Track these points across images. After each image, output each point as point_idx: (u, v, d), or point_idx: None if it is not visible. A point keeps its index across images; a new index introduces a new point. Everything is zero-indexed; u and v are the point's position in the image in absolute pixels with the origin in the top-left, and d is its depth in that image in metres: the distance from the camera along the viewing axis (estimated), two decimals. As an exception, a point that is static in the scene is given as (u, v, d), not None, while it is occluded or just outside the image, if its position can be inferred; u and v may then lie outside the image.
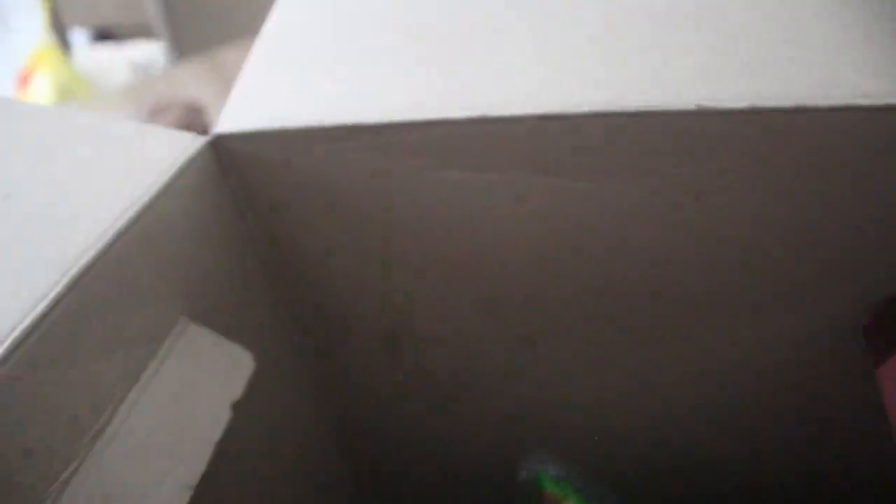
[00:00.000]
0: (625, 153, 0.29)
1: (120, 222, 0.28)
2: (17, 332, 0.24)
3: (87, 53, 1.57)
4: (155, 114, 0.97)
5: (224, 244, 0.34)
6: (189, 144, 0.32)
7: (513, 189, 0.31)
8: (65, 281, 0.26)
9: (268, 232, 0.36)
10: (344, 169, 0.32)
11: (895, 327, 0.30)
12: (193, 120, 0.97)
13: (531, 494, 0.44)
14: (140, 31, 1.56)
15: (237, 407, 0.32)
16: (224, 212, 0.34)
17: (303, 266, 0.37)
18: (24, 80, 1.39)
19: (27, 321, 0.24)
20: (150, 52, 1.50)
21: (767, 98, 0.27)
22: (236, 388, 0.32)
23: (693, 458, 0.42)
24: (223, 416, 0.31)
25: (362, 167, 0.32)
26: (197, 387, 0.31)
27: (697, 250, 0.32)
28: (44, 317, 0.25)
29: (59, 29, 1.58)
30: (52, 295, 0.25)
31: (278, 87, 0.33)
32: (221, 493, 0.34)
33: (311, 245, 0.36)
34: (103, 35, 1.62)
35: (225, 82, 1.13)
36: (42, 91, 1.36)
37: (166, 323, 0.31)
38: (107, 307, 0.27)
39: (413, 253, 0.35)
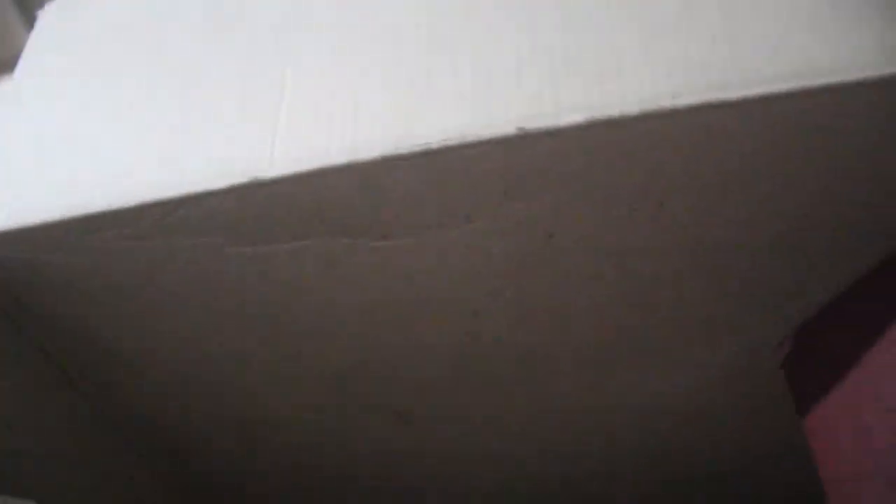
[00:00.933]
0: (438, 200, 0.23)
1: None
2: None
3: None
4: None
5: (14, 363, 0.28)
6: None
7: (327, 254, 0.25)
8: None
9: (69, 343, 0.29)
10: (129, 260, 0.26)
11: (817, 365, 0.24)
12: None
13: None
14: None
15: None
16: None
17: (128, 369, 0.31)
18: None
19: None
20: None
21: (604, 108, 0.21)
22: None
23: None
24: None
25: (149, 254, 0.25)
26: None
27: (552, 296, 0.26)
28: None
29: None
30: None
31: (24, 179, 0.26)
32: None
33: (125, 346, 0.29)
34: None
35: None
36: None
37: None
38: None
39: (242, 334, 0.29)
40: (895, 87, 0.20)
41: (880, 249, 0.24)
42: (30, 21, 0.30)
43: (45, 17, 0.31)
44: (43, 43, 0.30)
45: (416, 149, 0.21)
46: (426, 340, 0.28)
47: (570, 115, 0.21)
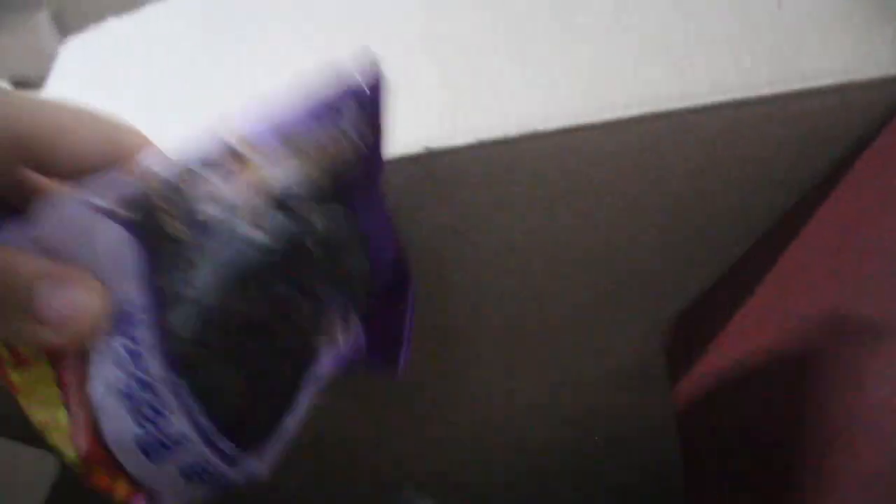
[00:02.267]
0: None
1: None
2: None
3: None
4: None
5: None
6: None
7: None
8: None
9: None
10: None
11: (689, 347, 0.30)
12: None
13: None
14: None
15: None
16: None
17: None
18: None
19: None
20: (69, 98, 1.48)
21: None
22: (39, 495, 0.31)
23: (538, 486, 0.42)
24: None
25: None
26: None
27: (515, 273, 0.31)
28: None
29: (-23, 84, 1.56)
30: None
31: None
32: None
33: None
34: (21, 85, 1.59)
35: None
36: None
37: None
38: None
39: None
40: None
41: (744, 245, 0.29)
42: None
43: (66, 48, 0.37)
44: (65, 67, 0.36)
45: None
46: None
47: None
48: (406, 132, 0.26)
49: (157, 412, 0.20)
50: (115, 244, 0.20)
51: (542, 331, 0.33)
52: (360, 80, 0.21)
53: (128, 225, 0.20)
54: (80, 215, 0.19)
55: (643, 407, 0.34)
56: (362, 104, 0.21)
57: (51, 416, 0.20)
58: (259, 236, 0.20)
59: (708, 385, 0.28)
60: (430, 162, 0.26)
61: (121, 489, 0.20)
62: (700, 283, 0.31)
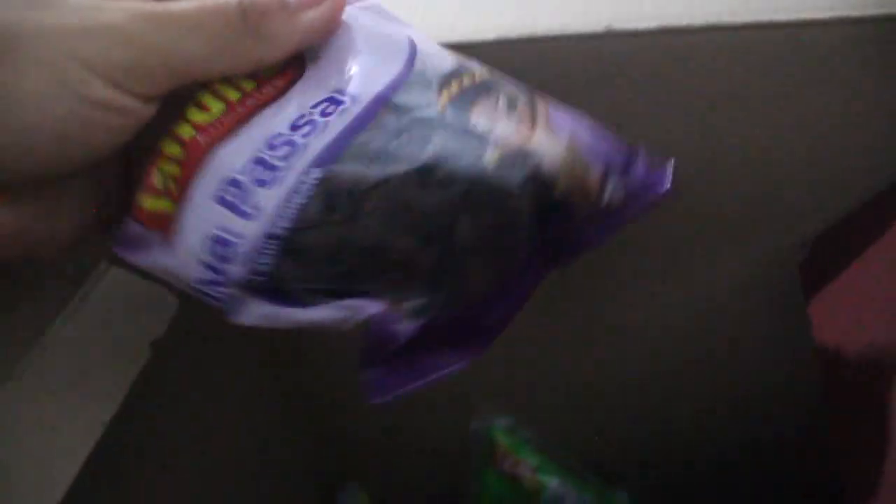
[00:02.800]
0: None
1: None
2: None
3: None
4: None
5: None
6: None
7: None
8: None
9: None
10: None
11: (825, 263, 0.29)
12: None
13: (483, 447, 0.43)
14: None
15: (158, 347, 0.32)
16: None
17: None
18: None
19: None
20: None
21: (678, 17, 0.26)
22: (157, 329, 0.32)
23: (641, 410, 0.41)
24: (141, 356, 0.31)
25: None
26: (116, 325, 0.31)
27: None
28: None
29: None
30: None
31: None
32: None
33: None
34: None
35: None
36: None
37: (88, 262, 0.31)
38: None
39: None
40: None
41: (891, 173, 0.28)
42: None
43: None
44: None
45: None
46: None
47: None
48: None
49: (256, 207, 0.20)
50: (395, 42, 0.21)
51: (680, 241, 0.33)
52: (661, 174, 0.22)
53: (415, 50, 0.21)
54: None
55: (777, 322, 0.34)
56: (645, 186, 0.22)
57: None
58: (494, 168, 0.20)
59: (843, 301, 0.28)
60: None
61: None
62: (840, 206, 0.30)
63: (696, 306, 0.36)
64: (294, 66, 0.22)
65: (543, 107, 0.22)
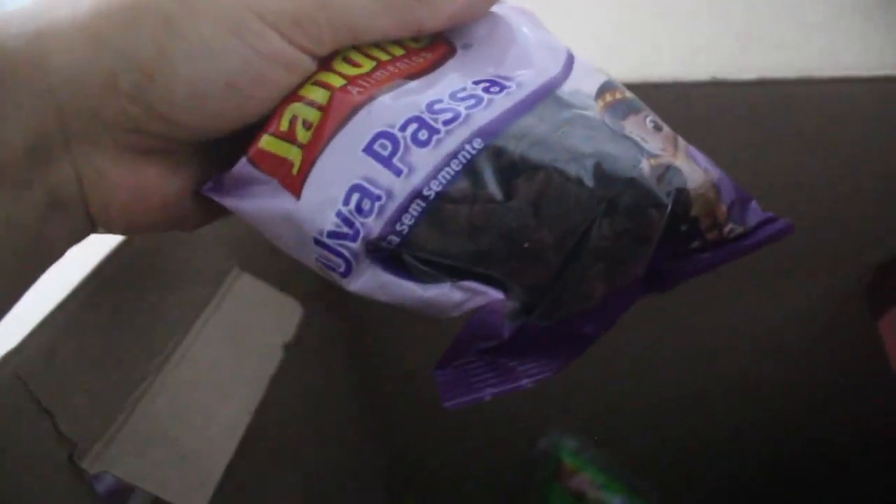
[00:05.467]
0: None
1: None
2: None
3: None
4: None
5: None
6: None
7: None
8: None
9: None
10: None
11: (893, 283, 0.33)
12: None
13: (549, 465, 0.46)
14: None
15: (288, 349, 0.34)
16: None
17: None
18: None
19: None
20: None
21: (774, 70, 0.30)
22: (287, 331, 0.35)
23: (709, 432, 0.44)
24: (276, 354, 0.34)
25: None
26: (251, 325, 0.33)
27: None
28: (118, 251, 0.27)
29: None
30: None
31: None
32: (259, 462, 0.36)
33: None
34: None
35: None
36: None
37: (223, 267, 0.33)
38: (174, 246, 0.30)
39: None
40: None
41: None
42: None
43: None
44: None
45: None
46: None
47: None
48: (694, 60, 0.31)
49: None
50: (555, 47, 0.22)
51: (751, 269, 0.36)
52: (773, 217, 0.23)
53: (572, 58, 0.22)
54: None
55: (847, 346, 0.37)
56: (762, 222, 0.23)
57: None
58: (648, 176, 0.20)
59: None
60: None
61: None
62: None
63: (768, 331, 0.39)
64: (443, 46, 0.22)
65: (679, 137, 0.23)
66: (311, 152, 0.20)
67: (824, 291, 0.36)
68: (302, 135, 0.20)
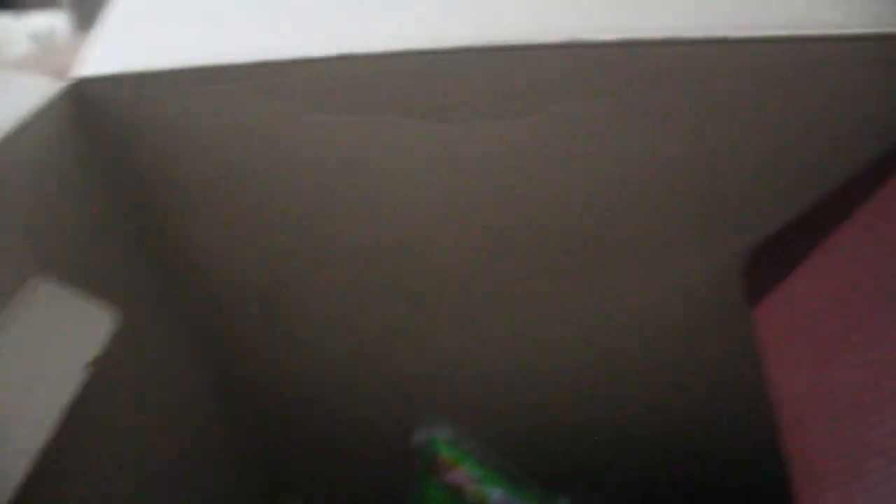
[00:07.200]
0: (500, 92, 0.28)
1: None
2: None
3: (-15, 24, 1.48)
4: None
5: (85, 197, 0.32)
6: (49, 89, 0.30)
7: (387, 132, 0.30)
8: None
9: (136, 183, 0.34)
10: (214, 115, 0.30)
11: (769, 270, 0.30)
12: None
13: (425, 460, 0.43)
14: (41, 1, 1.48)
15: (96, 365, 0.30)
16: (85, 162, 0.32)
17: (176, 220, 0.35)
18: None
19: None
20: (51, 21, 1.43)
21: (640, 31, 0.27)
22: (93, 347, 0.30)
23: (584, 419, 0.42)
24: (76, 377, 0.29)
25: (235, 112, 0.30)
26: (47, 345, 0.29)
27: (585, 192, 0.32)
28: None
29: (-46, -2, 1.49)
30: None
31: (143, 31, 0.31)
32: (89, 463, 0.32)
33: (184, 197, 0.34)
34: (1, 4, 1.53)
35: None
36: (-66, 62, 1.27)
37: (16, 277, 0.29)
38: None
39: (291, 202, 0.33)
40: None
41: (836, 181, 0.30)
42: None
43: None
44: None
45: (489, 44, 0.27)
46: (452, 228, 0.33)
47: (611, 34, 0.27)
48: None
49: None
50: None
51: (618, 248, 0.33)
52: None
53: None
54: None
55: (721, 332, 0.35)
56: None
57: None
58: None
59: (790, 308, 0.29)
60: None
61: None
62: (782, 214, 0.31)
63: (638, 317, 0.36)
64: None
65: None
66: None
67: (700, 275, 0.34)
68: None
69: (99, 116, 0.31)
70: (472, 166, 0.31)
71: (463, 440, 0.43)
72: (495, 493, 0.42)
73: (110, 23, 0.33)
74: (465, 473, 0.42)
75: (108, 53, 0.31)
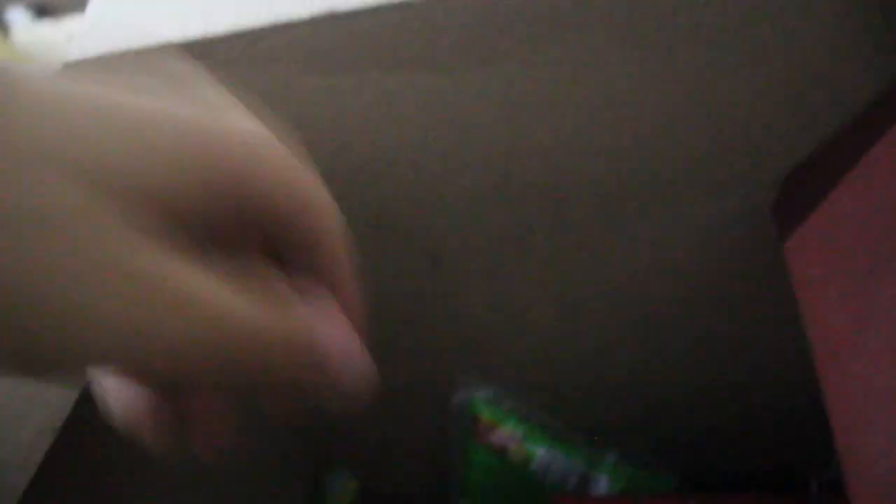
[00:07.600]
0: (486, 36, 0.27)
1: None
2: None
3: (27, 30, 1.52)
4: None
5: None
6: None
7: (377, 89, 0.29)
8: None
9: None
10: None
11: (799, 201, 0.28)
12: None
13: (466, 422, 0.42)
14: (79, 5, 1.51)
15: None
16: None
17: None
18: (-36, 63, 1.34)
19: None
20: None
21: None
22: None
23: (616, 368, 0.41)
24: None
25: (226, 83, 0.30)
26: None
27: (600, 139, 0.30)
28: None
29: (-3, 8, 1.53)
30: None
31: (126, 10, 0.31)
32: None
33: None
34: (42, 11, 1.56)
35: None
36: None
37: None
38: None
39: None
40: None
41: (858, 106, 0.28)
42: None
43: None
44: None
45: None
46: (462, 181, 0.32)
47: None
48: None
49: None
50: None
51: (642, 192, 0.32)
52: None
53: None
54: None
55: (751, 264, 0.33)
56: None
57: None
58: None
59: (823, 238, 0.27)
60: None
61: None
62: (809, 144, 0.29)
63: (670, 261, 0.35)
64: None
65: None
66: None
67: (730, 212, 0.32)
68: None
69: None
70: (470, 116, 0.30)
71: (503, 398, 0.42)
72: (540, 451, 0.41)
73: (95, 5, 0.33)
74: (507, 433, 0.42)
75: (94, 35, 0.31)
